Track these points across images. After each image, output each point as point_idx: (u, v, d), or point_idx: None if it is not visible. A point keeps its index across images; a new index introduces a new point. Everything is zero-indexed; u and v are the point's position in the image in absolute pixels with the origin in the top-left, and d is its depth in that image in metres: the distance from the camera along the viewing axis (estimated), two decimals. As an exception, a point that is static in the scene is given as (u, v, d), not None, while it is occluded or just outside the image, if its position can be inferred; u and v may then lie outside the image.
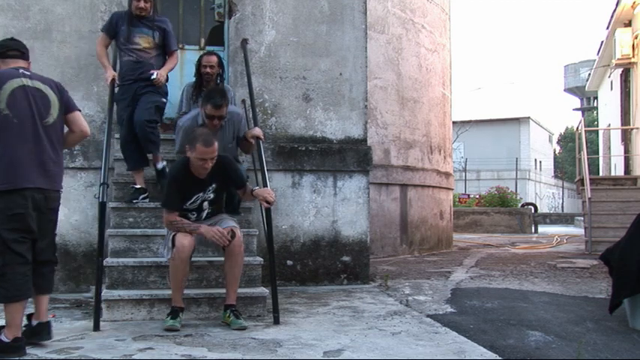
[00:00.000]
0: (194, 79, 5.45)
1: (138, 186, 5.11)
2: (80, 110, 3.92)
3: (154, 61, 5.12)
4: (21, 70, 3.57)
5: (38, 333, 3.55)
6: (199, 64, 5.35)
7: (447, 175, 11.05)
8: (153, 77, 5.01)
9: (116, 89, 5.09)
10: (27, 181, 3.39)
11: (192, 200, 4.15)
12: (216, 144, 3.98)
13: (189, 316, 4.29)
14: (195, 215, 4.22)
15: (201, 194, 4.16)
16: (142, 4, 5.01)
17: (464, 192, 24.58)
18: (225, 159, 4.22)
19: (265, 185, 4.60)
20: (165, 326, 3.95)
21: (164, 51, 5.21)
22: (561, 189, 40.22)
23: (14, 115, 3.41)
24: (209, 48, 6.17)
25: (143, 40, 5.09)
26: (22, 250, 3.37)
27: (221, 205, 4.42)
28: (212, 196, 4.22)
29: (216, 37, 6.32)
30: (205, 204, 4.22)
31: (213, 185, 4.19)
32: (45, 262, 3.58)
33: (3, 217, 3.33)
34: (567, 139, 50.94)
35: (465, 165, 30.49)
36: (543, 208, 33.59)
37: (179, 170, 4.13)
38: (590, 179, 10.28)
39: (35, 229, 3.44)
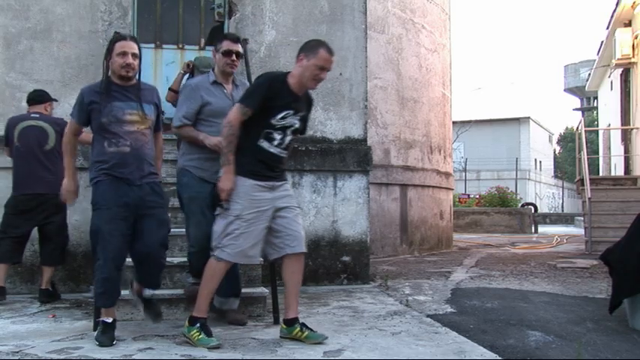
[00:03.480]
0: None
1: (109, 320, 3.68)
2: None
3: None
4: (32, 115, 5.11)
5: None
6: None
7: (447, 175, 11.05)
8: None
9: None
10: (27, 188, 4.97)
11: (281, 115, 3.59)
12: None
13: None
14: (280, 138, 3.62)
15: (291, 112, 3.62)
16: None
17: (464, 192, 24.59)
18: (311, 95, 3.83)
19: None
20: (211, 345, 3.45)
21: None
22: (561, 189, 40.22)
23: (22, 146, 5.02)
24: (210, 48, 6.17)
25: None
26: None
27: (289, 156, 3.83)
28: (298, 124, 3.69)
29: (216, 37, 6.30)
30: (290, 131, 3.66)
31: (302, 114, 3.72)
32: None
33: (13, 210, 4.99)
34: (567, 139, 50.93)
35: (465, 165, 30.49)
36: (543, 208, 33.59)
37: (277, 77, 3.66)
38: (590, 179, 10.28)
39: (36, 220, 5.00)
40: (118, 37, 3.70)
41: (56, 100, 5.36)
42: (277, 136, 3.61)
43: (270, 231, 3.64)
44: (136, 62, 3.65)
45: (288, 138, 3.67)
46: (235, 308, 4.20)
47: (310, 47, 3.61)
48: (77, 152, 5.52)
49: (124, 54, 3.60)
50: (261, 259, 4.79)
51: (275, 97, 3.56)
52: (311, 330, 3.62)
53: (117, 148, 3.59)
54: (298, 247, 3.66)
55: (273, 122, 3.57)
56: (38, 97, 5.20)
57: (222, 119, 3.70)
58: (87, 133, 4.55)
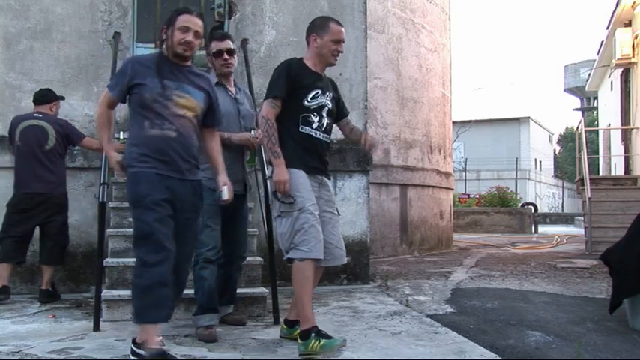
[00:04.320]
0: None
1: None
2: (86, 136, 5.17)
3: None
4: (35, 114, 5.09)
5: None
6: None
7: (447, 175, 11.05)
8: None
9: None
10: (28, 188, 4.97)
11: (312, 94, 3.47)
12: None
13: (190, 316, 4.28)
14: (318, 120, 3.49)
15: (320, 92, 3.51)
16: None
17: (464, 192, 24.58)
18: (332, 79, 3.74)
19: (265, 186, 4.56)
20: (337, 344, 3.24)
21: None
22: (561, 189, 40.22)
23: (22, 145, 5.01)
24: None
25: None
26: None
27: (329, 137, 3.63)
28: (330, 104, 3.57)
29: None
30: (325, 112, 3.53)
31: (331, 94, 3.61)
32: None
33: (14, 209, 5.00)
34: (567, 139, 50.92)
35: (465, 165, 30.48)
36: (543, 208, 33.59)
37: (293, 61, 3.56)
38: (590, 179, 10.28)
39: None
40: (182, 10, 3.25)
41: (63, 98, 5.37)
42: (315, 119, 3.47)
43: None
44: (197, 42, 3.22)
45: (325, 120, 3.53)
46: (231, 311, 4.18)
47: (319, 25, 3.55)
48: (77, 152, 5.59)
49: (186, 29, 3.15)
50: (261, 258, 4.81)
51: (299, 77, 3.46)
52: (328, 337, 3.26)
53: (160, 131, 3.09)
54: (332, 261, 3.54)
55: (306, 104, 3.45)
56: (42, 97, 5.20)
57: (228, 119, 3.69)
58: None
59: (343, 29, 3.56)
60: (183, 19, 3.16)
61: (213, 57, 3.99)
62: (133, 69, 3.14)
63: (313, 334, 3.23)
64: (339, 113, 3.73)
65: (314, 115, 3.47)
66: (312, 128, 3.47)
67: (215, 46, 3.97)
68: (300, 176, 3.40)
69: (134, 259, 4.51)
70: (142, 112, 3.11)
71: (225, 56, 3.97)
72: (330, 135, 3.60)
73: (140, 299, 2.98)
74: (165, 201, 3.05)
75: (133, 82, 3.11)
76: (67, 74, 5.70)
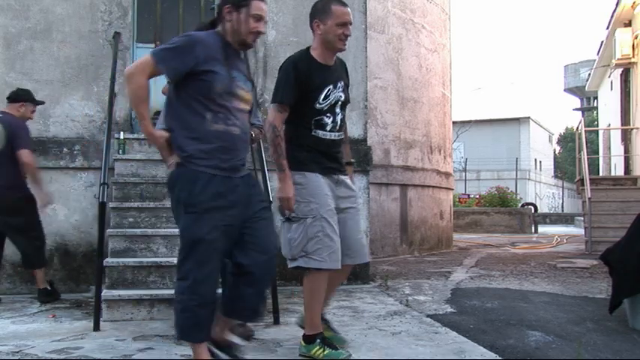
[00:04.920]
0: None
1: None
2: (28, 148, 4.87)
3: None
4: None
5: None
6: None
7: (447, 175, 11.05)
8: None
9: None
10: None
11: (324, 94, 3.22)
12: None
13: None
14: (331, 120, 3.28)
15: (331, 87, 3.26)
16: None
17: (464, 192, 24.57)
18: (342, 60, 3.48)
19: (265, 186, 4.56)
20: (342, 358, 3.12)
21: None
22: (561, 189, 40.21)
23: None
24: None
25: None
26: None
27: (345, 134, 3.48)
28: (342, 96, 3.32)
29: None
30: (338, 107, 3.31)
31: (342, 82, 3.36)
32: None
33: None
34: (567, 139, 50.93)
35: (465, 165, 30.48)
36: (543, 208, 33.59)
37: (299, 57, 3.27)
38: (590, 179, 10.28)
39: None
40: None
41: (40, 103, 5.19)
42: (328, 120, 3.26)
43: None
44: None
45: (339, 116, 3.32)
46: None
47: (321, 9, 3.25)
48: (77, 152, 5.58)
49: (259, 18, 2.80)
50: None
51: (307, 79, 3.20)
52: (334, 348, 3.16)
53: (225, 126, 2.72)
54: (358, 259, 3.35)
55: (318, 107, 3.22)
56: (12, 95, 5.00)
57: None
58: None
59: (348, 10, 3.25)
60: (257, 6, 2.79)
61: None
62: (205, 52, 2.70)
63: (318, 341, 3.16)
64: (347, 101, 3.50)
65: (327, 117, 3.27)
66: (326, 131, 3.27)
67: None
68: (315, 180, 3.21)
69: (134, 260, 4.58)
70: (205, 103, 2.70)
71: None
72: (343, 130, 3.41)
73: (180, 317, 2.75)
74: (224, 208, 2.70)
75: (202, 67, 2.68)
76: (67, 74, 5.70)
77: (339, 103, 3.32)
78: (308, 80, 3.20)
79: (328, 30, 3.22)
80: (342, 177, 3.38)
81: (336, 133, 3.34)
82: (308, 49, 3.32)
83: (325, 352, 3.12)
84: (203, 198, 2.66)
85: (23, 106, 4.99)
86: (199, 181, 2.67)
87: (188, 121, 2.71)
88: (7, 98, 5.02)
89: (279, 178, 3.17)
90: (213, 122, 2.70)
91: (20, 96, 5.00)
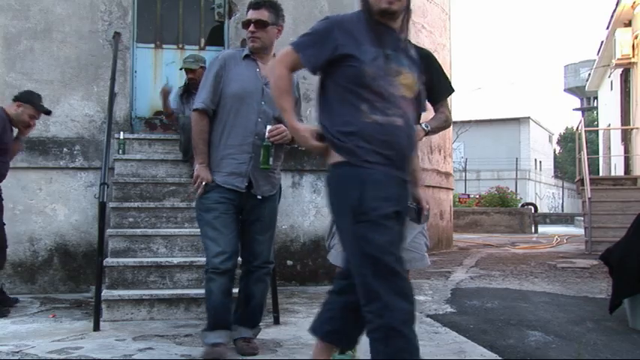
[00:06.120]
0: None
1: None
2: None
3: None
4: None
5: None
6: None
7: (447, 175, 11.05)
8: None
9: None
10: None
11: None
12: None
13: (190, 316, 4.29)
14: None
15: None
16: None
17: (464, 192, 24.56)
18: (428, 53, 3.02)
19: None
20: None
21: None
22: (561, 189, 40.22)
23: None
24: (209, 48, 6.18)
25: None
26: None
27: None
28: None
29: (216, 37, 6.31)
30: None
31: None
32: None
33: None
34: (567, 139, 50.92)
35: (465, 165, 30.47)
36: (543, 208, 33.59)
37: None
38: (590, 179, 10.28)
39: None
40: None
41: (47, 112, 4.95)
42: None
43: None
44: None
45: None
46: (245, 335, 3.46)
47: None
48: (77, 152, 5.57)
49: None
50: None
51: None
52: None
53: (385, 117, 2.26)
54: (413, 264, 3.01)
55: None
56: (17, 94, 4.85)
57: (247, 99, 3.34)
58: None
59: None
60: None
61: (243, 27, 3.43)
62: (343, 36, 2.31)
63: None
64: (434, 100, 3.38)
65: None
66: None
67: (248, 15, 3.39)
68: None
69: (134, 260, 4.58)
70: (357, 91, 2.28)
71: (252, 28, 3.33)
72: None
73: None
74: (397, 215, 2.26)
75: (340, 52, 2.29)
76: (67, 74, 5.70)
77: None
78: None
79: None
80: None
81: None
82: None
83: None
84: (374, 205, 2.20)
85: (20, 106, 4.77)
86: (367, 182, 2.24)
87: (338, 112, 2.32)
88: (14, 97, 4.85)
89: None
90: (370, 113, 2.26)
91: (19, 97, 4.85)
